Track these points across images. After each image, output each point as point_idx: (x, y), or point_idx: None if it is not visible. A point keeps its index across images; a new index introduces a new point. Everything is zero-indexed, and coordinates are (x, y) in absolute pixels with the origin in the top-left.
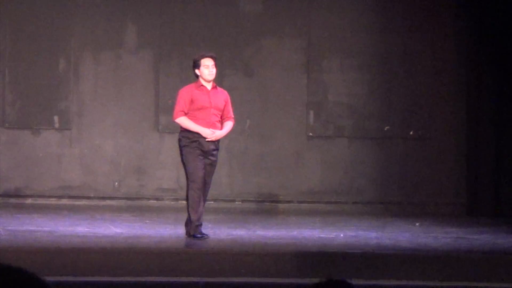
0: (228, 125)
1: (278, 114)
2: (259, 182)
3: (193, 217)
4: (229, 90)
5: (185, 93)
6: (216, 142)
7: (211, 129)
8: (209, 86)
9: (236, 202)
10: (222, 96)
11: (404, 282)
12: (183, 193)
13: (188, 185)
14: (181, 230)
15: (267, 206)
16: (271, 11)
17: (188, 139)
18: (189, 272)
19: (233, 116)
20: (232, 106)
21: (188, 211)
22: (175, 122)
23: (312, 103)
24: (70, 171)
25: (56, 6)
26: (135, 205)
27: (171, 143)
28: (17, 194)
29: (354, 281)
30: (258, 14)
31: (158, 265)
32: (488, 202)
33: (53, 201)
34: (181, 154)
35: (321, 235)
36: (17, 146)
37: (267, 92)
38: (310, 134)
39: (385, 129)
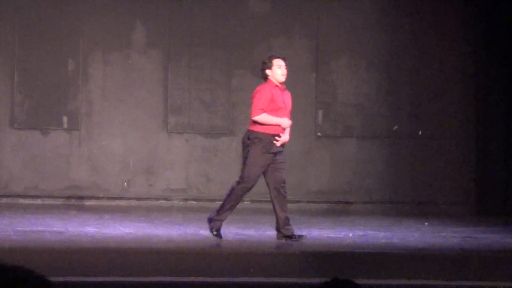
0: (288, 129)
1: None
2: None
3: (223, 216)
4: (238, 90)
5: (266, 92)
6: (282, 146)
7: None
8: (280, 87)
9: (246, 202)
10: (290, 98)
11: (412, 282)
12: (192, 193)
13: (239, 182)
14: (190, 230)
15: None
16: (280, 11)
17: (261, 140)
18: (198, 272)
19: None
20: (244, 107)
21: (224, 203)
22: (255, 119)
23: (320, 103)
24: (79, 172)
25: (65, 6)
26: (144, 205)
27: (179, 143)
28: (26, 195)
29: (363, 281)
30: (267, 14)
31: (167, 265)
32: (497, 201)
33: (62, 201)
34: (248, 153)
35: (330, 235)
36: (26, 147)
37: None
38: (319, 134)
39: (394, 128)
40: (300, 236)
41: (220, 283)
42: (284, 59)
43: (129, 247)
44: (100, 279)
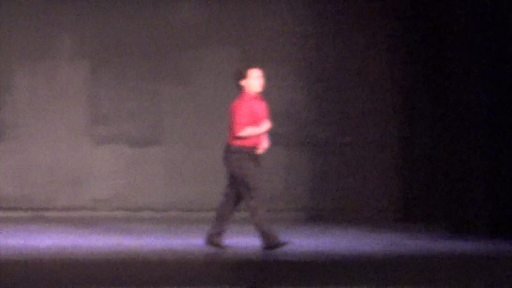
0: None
1: (216, 122)
2: (195, 191)
3: (265, 228)
4: (166, 100)
5: (245, 106)
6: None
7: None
8: (257, 97)
9: (172, 212)
10: (265, 106)
11: None
12: (119, 203)
13: (250, 196)
14: (116, 240)
15: (204, 215)
16: (206, 20)
17: (244, 154)
18: (123, 282)
19: None
20: (172, 116)
21: (257, 224)
22: (239, 135)
23: None
24: (5, 183)
25: None
26: (71, 216)
27: (106, 153)
28: None
29: None
30: (194, 23)
31: (93, 276)
32: (421, 207)
33: None
34: (238, 167)
35: (257, 243)
36: None
37: (203, 100)
38: None
39: (345, 140)
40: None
41: None
42: (260, 68)
43: (54, 259)
44: None
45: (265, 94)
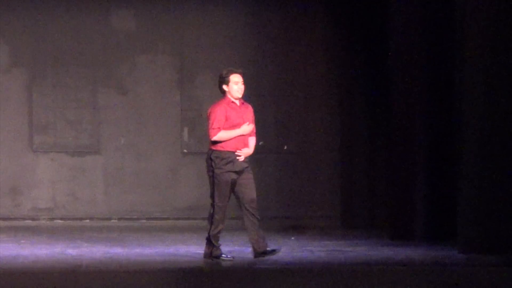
0: (253, 141)
1: (153, 131)
2: (135, 200)
3: (215, 240)
4: (104, 108)
5: (219, 110)
6: (246, 159)
7: (243, 149)
8: (237, 102)
9: (113, 220)
10: (250, 112)
11: None
12: (59, 212)
13: (213, 206)
14: (57, 249)
15: (144, 224)
16: (144, 29)
17: (223, 159)
18: None
19: (255, 131)
20: (110, 125)
21: (211, 235)
22: (213, 139)
23: (186, 119)
24: None
25: None
26: (10, 225)
27: (45, 162)
28: None
29: None
30: (131, 32)
31: (33, 285)
32: (363, 214)
33: None
34: (212, 176)
35: (198, 251)
36: None
37: (142, 109)
38: (185, 150)
39: (260, 143)
40: (274, 250)
41: None
42: (241, 74)
43: None
44: None
45: (202, 103)
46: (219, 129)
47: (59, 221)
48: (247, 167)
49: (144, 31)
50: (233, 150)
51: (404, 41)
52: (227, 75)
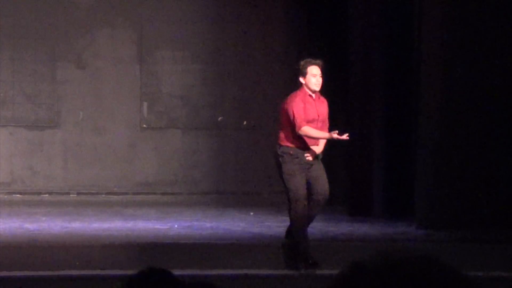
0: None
1: (112, 106)
2: (94, 174)
3: (300, 239)
4: (63, 83)
5: (300, 102)
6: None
7: (311, 148)
8: (313, 96)
9: (71, 195)
10: (325, 107)
11: (238, 271)
12: (17, 187)
13: (290, 204)
14: (15, 224)
15: (102, 198)
16: (103, 3)
17: (290, 155)
18: (22, 266)
19: (328, 125)
20: (69, 99)
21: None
22: (299, 133)
23: (145, 94)
24: None
25: None
26: None
27: (4, 136)
28: None
29: (188, 272)
30: (90, 6)
31: None
32: None
33: None
34: (282, 171)
35: (156, 226)
36: None
37: (100, 84)
38: (144, 125)
39: (219, 119)
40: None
41: (46, 276)
42: (320, 65)
43: None
44: None
45: (162, 78)
46: (305, 121)
47: (18, 195)
48: (315, 159)
49: (103, 5)
50: (302, 147)
51: (365, 41)
52: (305, 67)
